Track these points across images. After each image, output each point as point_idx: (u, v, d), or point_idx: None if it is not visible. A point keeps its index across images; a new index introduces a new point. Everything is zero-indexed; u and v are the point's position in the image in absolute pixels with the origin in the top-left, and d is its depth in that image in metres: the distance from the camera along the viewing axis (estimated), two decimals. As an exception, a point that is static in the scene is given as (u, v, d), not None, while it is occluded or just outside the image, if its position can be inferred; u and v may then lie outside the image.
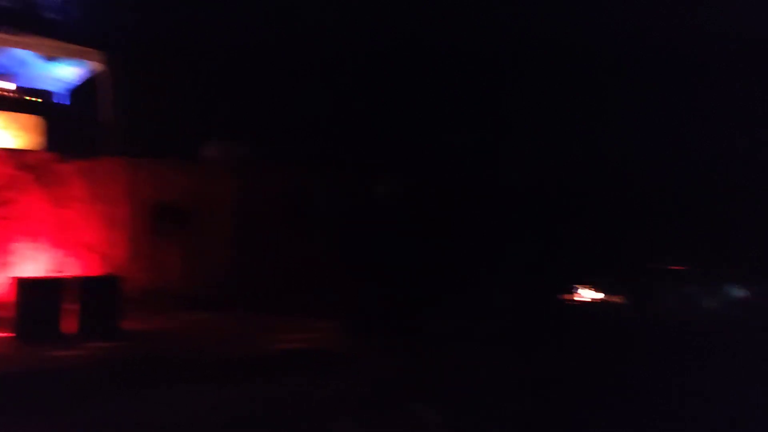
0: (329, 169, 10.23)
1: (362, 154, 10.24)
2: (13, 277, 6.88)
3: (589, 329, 8.27)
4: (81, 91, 11.32)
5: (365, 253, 9.57)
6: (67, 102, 11.41)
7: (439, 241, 9.65)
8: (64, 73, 11.18)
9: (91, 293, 6.79)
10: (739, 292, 10.06)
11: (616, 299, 10.21)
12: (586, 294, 10.35)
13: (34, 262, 8.45)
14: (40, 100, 10.68)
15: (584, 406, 4.59)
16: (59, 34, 10.16)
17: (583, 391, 5.04)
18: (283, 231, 9.87)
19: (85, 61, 10.82)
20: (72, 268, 8.44)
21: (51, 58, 10.80)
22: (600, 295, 10.32)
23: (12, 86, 10.59)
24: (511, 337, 6.92)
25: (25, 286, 6.52)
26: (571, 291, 10.29)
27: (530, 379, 5.29)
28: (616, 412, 4.37)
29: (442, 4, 10.10)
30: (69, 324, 6.50)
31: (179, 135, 9.89)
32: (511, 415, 4.22)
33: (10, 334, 6.36)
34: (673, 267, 10.10)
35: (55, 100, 11.08)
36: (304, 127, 10.35)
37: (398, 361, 5.85)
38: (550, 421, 4.27)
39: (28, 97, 10.60)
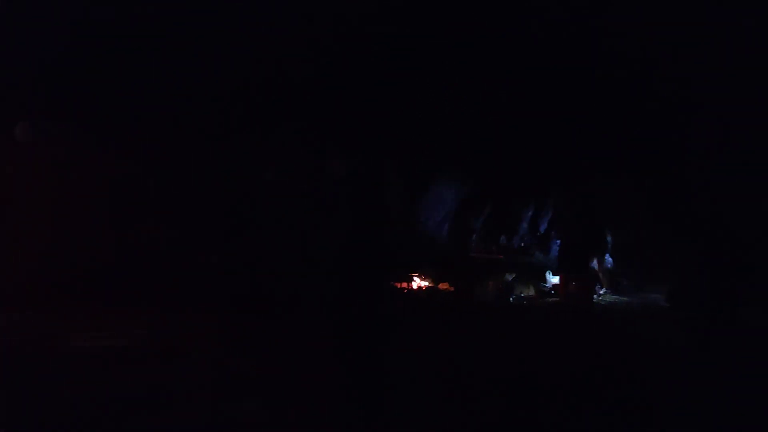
0: (166, 157, 9.65)
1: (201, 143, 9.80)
2: None
3: (419, 312, 8.87)
4: None
5: (209, 245, 9.31)
6: None
7: (280, 235, 9.58)
8: None
9: None
10: (552, 279, 11.05)
11: (444, 285, 10.92)
12: (419, 282, 10.95)
13: None
14: None
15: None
16: None
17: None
18: (114, 220, 9.22)
19: None
20: None
21: None
22: (429, 283, 10.98)
23: None
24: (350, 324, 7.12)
25: None
26: (406, 280, 10.84)
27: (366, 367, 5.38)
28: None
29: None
30: None
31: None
32: (344, 408, 4.21)
33: None
34: (492, 256, 10.96)
35: None
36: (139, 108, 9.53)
37: (232, 356, 5.69)
38: (380, 411, 4.29)
39: None
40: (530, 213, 11.22)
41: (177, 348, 5.93)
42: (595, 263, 11.08)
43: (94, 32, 8.84)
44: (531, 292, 10.92)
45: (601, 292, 11.09)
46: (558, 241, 10.44)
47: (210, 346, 6.04)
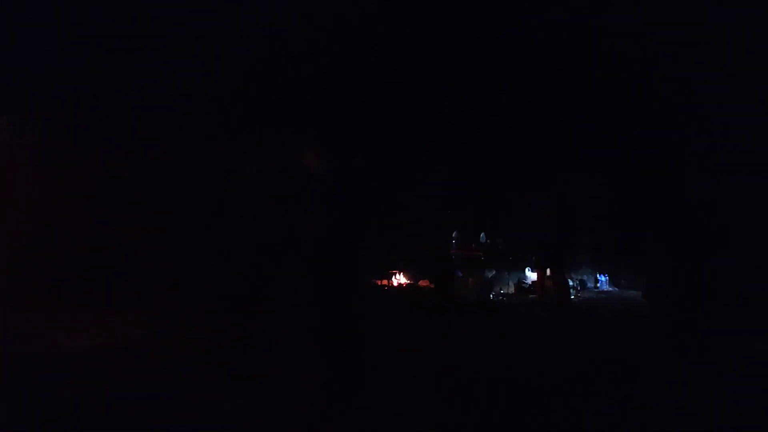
0: (151, 156, 9.56)
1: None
2: None
3: (400, 309, 8.90)
4: None
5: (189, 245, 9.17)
6: None
7: (262, 232, 9.48)
8: None
9: None
10: (531, 276, 11.12)
11: (424, 283, 10.97)
12: (399, 279, 10.99)
13: None
14: None
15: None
16: None
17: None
18: (97, 222, 9.10)
19: None
20: None
21: None
22: (409, 280, 11.02)
23: None
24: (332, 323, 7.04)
25: None
26: (387, 277, 10.85)
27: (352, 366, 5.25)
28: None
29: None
30: None
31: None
32: (325, 407, 4.13)
33: None
34: (471, 253, 11.01)
35: None
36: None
37: (223, 355, 5.62)
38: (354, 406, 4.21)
39: None
40: (510, 210, 11.28)
41: (166, 347, 5.91)
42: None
43: (73, 28, 8.63)
44: (511, 289, 11.01)
45: (579, 288, 11.23)
46: (538, 238, 10.51)
47: (199, 345, 6.04)
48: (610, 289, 11.60)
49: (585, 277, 11.64)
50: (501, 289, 10.91)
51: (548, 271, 10.28)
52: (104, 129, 9.07)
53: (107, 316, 7.30)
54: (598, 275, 11.65)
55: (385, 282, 10.78)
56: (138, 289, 8.00)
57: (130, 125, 9.07)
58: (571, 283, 10.64)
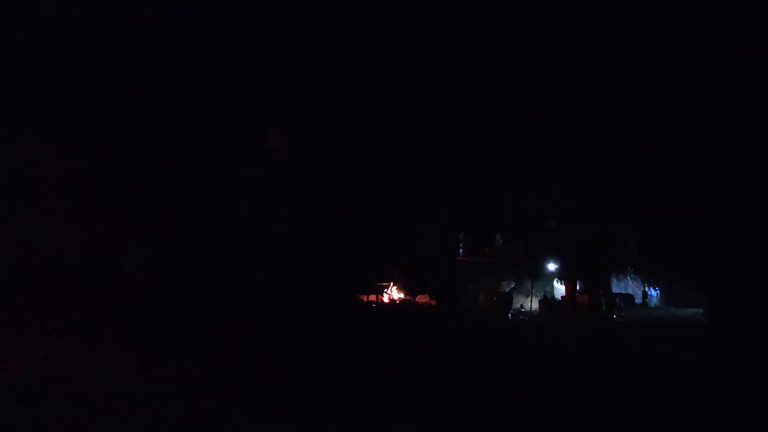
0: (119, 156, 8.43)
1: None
2: None
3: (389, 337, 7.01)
4: None
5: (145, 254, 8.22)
6: None
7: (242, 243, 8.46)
8: None
9: None
10: (559, 290, 9.32)
11: (423, 298, 9.02)
12: (391, 294, 9.17)
13: None
14: None
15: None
16: None
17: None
18: (58, 219, 8.05)
19: None
20: None
21: None
22: (404, 295, 9.05)
23: None
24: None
25: None
26: (377, 291, 9.02)
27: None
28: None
29: None
30: None
31: None
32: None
33: None
34: (484, 260, 9.10)
35: None
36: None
37: (165, 373, 4.91)
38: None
39: None
40: (532, 206, 9.22)
41: (162, 347, 5.59)
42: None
43: (72, 27, 8.11)
44: (534, 305, 8.92)
45: (622, 305, 8.99)
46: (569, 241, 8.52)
47: (191, 348, 5.65)
48: (662, 305, 9.40)
49: (630, 291, 9.44)
50: (522, 306, 8.83)
51: (579, 284, 8.37)
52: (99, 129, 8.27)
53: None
54: (647, 289, 9.45)
55: (373, 297, 8.77)
56: (122, 292, 7.33)
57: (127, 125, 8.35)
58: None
